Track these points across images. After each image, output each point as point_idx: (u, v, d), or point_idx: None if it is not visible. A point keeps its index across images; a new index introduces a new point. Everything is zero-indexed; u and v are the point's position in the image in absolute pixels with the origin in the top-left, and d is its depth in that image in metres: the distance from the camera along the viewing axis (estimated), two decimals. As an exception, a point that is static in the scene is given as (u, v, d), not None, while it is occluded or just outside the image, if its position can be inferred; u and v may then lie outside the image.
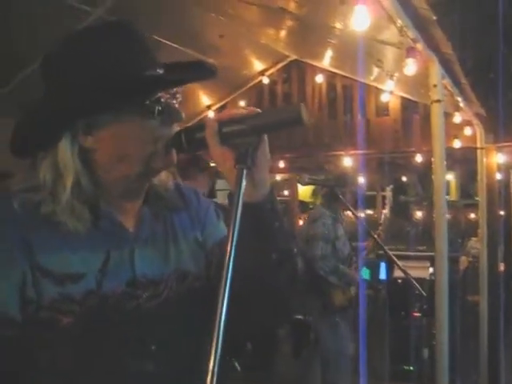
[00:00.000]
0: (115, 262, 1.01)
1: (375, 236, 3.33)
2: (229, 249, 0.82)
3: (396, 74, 3.71)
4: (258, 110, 0.97)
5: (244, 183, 0.90)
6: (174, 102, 1.04)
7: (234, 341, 3.08)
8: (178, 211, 1.15)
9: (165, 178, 1.13)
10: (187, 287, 1.09)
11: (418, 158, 5.78)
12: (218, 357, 0.76)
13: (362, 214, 9.76)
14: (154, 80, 0.98)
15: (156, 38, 4.34)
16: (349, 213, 4.17)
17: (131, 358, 1.00)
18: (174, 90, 1.04)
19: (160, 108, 0.99)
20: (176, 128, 1.04)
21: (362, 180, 9.78)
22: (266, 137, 0.98)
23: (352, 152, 5.91)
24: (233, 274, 0.81)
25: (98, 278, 0.98)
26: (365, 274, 4.97)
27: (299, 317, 4.88)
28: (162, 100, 1.00)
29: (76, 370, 0.96)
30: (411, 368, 4.52)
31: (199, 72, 1.05)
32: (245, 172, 0.91)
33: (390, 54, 3.21)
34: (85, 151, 0.99)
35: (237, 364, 4.08)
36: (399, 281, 4.90)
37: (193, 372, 1.01)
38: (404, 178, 10.10)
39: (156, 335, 1.03)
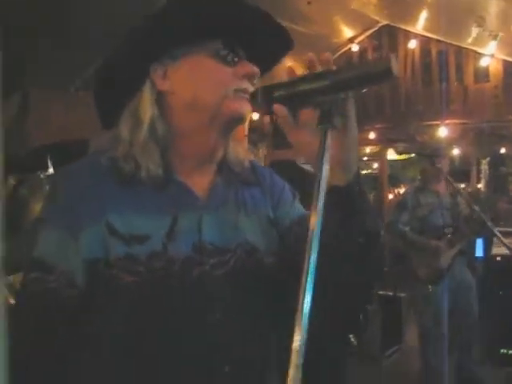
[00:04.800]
0: (182, 227, 1.00)
1: (476, 208, 3.09)
2: (312, 227, 0.73)
3: (500, 34, 3.38)
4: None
5: (329, 143, 0.79)
6: (250, 85, 1.01)
7: (346, 314, 2.99)
8: (250, 186, 1.13)
9: (241, 156, 1.12)
10: (256, 261, 1.05)
11: (522, 128, 5.37)
12: (304, 334, 0.66)
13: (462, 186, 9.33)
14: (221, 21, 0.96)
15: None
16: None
17: (194, 327, 0.97)
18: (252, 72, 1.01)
19: (235, 59, 1.00)
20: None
21: (456, 152, 9.31)
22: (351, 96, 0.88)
23: (448, 121, 5.57)
24: (320, 257, 0.73)
25: (163, 241, 0.97)
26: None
27: (389, 293, 4.72)
28: (240, 54, 1.01)
29: (130, 336, 0.95)
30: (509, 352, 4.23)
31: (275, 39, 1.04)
32: (329, 133, 0.81)
33: (494, 7, 2.90)
34: (162, 96, 1.01)
35: (353, 339, 3.94)
36: (498, 258, 4.60)
37: (259, 342, 1.03)
38: (503, 150, 9.47)
39: (222, 304, 1.00)
